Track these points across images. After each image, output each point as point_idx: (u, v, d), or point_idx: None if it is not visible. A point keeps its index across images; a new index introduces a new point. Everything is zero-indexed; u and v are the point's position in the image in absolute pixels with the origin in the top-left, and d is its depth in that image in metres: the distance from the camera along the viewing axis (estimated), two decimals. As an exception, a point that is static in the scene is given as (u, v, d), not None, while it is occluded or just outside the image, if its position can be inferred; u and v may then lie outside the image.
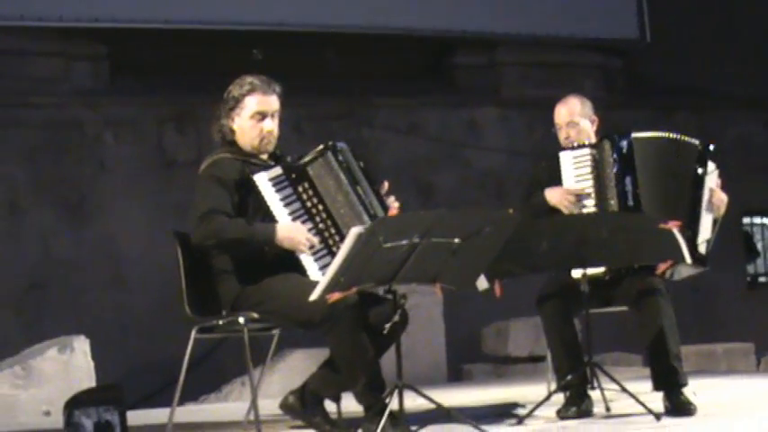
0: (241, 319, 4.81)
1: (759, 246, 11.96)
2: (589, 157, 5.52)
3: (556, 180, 5.52)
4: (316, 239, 4.80)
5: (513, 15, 10.39)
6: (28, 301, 8.86)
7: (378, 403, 4.69)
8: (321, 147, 4.97)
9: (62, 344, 7.01)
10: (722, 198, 5.55)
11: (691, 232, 5.39)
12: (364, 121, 9.87)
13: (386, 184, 5.03)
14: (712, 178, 5.54)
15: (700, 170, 5.51)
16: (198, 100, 9.24)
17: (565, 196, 5.49)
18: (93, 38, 9.38)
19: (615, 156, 5.49)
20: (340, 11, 9.78)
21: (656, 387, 5.28)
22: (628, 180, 5.47)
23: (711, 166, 5.55)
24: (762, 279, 12.05)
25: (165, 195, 9.06)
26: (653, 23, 10.88)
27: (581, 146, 5.56)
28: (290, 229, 4.78)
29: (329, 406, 4.98)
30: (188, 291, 5.01)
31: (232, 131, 5.02)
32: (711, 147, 5.57)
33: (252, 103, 4.99)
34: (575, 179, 5.52)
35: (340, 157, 4.97)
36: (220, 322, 4.91)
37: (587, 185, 5.51)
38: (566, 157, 5.55)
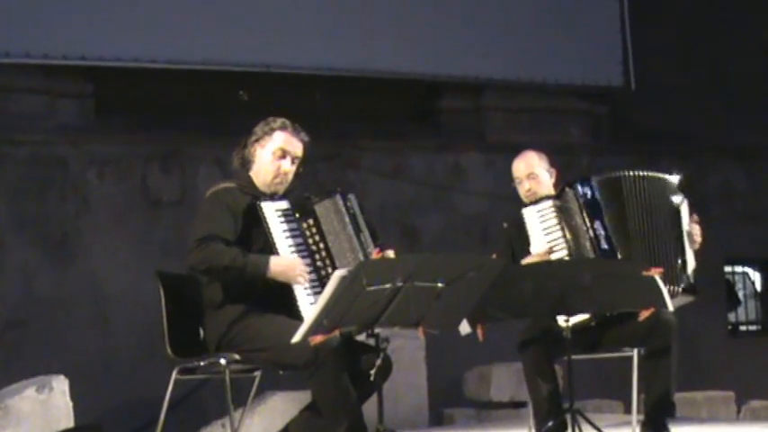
0: (222, 361, 4.82)
1: (741, 294, 11.98)
2: (553, 209, 5.57)
3: (525, 237, 5.56)
4: (310, 276, 4.81)
5: (500, 60, 10.42)
6: (7, 339, 8.82)
7: None
8: (331, 189, 5.02)
9: (41, 383, 6.96)
10: (697, 230, 5.61)
11: (681, 262, 5.44)
12: (350, 164, 9.88)
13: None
14: (684, 209, 5.60)
15: (675, 202, 5.56)
16: (183, 139, 9.27)
17: (542, 258, 5.51)
18: (78, 75, 9.38)
19: (580, 202, 5.53)
20: (327, 54, 9.79)
21: (649, 423, 5.35)
22: (597, 224, 5.51)
23: (681, 197, 5.61)
24: (743, 327, 12.05)
25: (149, 235, 9.05)
26: (638, 71, 10.94)
27: (542, 199, 5.60)
28: (285, 264, 4.79)
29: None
30: (170, 331, 5.01)
31: (251, 161, 5.06)
32: (677, 178, 5.64)
33: (279, 139, 5.07)
34: (543, 233, 5.55)
35: (348, 204, 5.00)
36: (202, 363, 4.91)
37: (557, 236, 5.54)
38: (530, 213, 5.60)
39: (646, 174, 5.62)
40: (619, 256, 5.41)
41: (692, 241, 5.57)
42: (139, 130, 9.40)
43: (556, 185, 5.70)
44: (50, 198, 9.14)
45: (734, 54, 11.55)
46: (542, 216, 5.57)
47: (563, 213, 5.53)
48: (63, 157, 9.24)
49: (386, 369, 4.81)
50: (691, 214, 5.61)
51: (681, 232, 5.54)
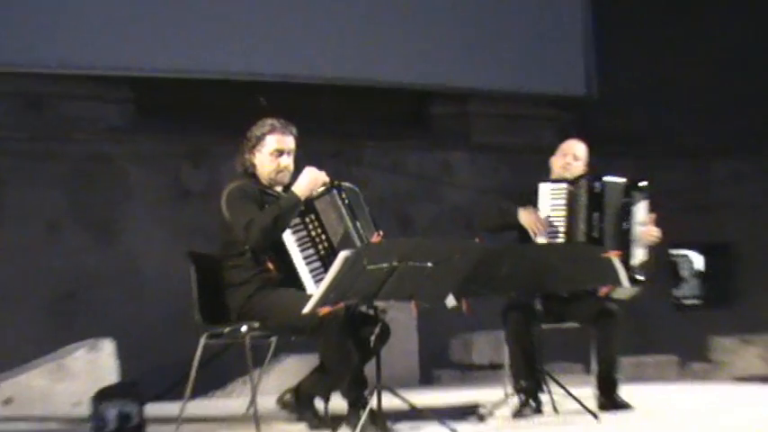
0: (243, 328, 4.83)
1: (684, 274, 12.04)
2: (566, 192, 5.55)
3: (535, 204, 5.54)
4: (315, 264, 4.81)
5: (483, 72, 10.43)
6: (62, 307, 8.83)
7: (360, 399, 4.71)
8: (328, 184, 4.98)
9: (90, 345, 7.00)
10: (653, 231, 5.59)
11: (626, 255, 5.44)
12: (353, 160, 9.88)
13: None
14: (641, 208, 5.59)
15: (627, 201, 5.57)
16: (211, 139, 9.27)
17: (537, 221, 5.49)
18: (122, 84, 9.38)
19: (590, 194, 5.52)
20: (335, 65, 9.81)
21: (600, 389, 5.35)
22: (595, 216, 5.51)
23: (639, 198, 5.60)
24: (686, 302, 12.11)
25: (181, 220, 9.06)
26: (600, 83, 10.95)
27: (560, 180, 5.59)
28: (306, 182, 4.81)
29: (319, 404, 5.00)
30: (199, 302, 5.03)
31: (253, 165, 5.05)
32: (641, 183, 5.63)
33: (272, 142, 5.03)
34: (550, 208, 5.54)
35: (344, 195, 4.98)
36: (226, 330, 4.92)
37: (560, 214, 5.53)
38: (544, 188, 5.60)
39: (621, 180, 5.63)
40: (604, 245, 5.41)
41: (646, 239, 5.56)
42: (173, 131, 9.41)
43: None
44: (98, 188, 9.15)
45: (683, 68, 11.55)
46: (554, 194, 5.56)
47: (572, 197, 5.52)
48: (109, 154, 9.26)
49: (384, 335, 4.84)
50: (649, 214, 5.61)
51: (630, 222, 5.55)
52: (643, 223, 5.56)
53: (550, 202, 5.55)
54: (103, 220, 9.17)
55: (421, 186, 10.30)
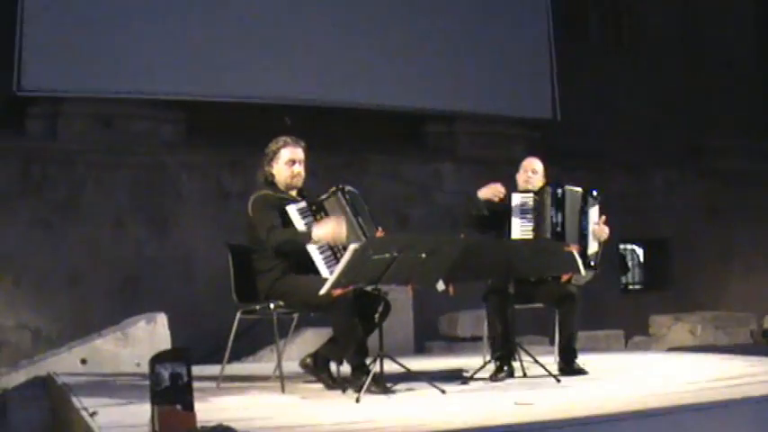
0: (272, 306, 4.80)
1: (629, 264, 12.05)
2: (533, 199, 5.55)
3: (507, 211, 5.52)
4: (326, 253, 4.77)
5: (467, 98, 10.40)
6: (126, 288, 8.82)
7: (362, 365, 4.68)
8: (334, 188, 4.97)
9: (149, 318, 6.98)
10: (604, 229, 5.58)
11: (583, 248, 5.44)
12: (361, 170, 9.85)
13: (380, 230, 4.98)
14: (594, 211, 5.59)
15: (584, 205, 5.56)
16: (245, 151, 9.10)
17: (494, 188, 5.49)
18: (175, 106, 9.37)
19: (552, 198, 5.53)
20: (346, 91, 9.78)
21: (561, 358, 5.33)
22: (559, 216, 5.51)
23: (593, 203, 5.59)
24: (630, 287, 12.10)
25: (222, 217, 9.02)
26: (562, 107, 10.92)
27: (527, 191, 5.60)
28: (325, 232, 4.70)
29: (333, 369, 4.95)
30: (235, 284, 5.00)
31: (272, 175, 5.02)
32: (595, 192, 5.63)
33: (286, 154, 5.00)
34: (520, 213, 5.54)
35: (347, 196, 4.97)
36: (257, 307, 4.89)
37: (530, 216, 5.54)
38: (516, 197, 5.59)
39: (579, 189, 5.60)
40: (566, 239, 5.40)
41: (594, 234, 5.55)
42: (216, 145, 9.39)
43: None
44: (155, 192, 9.14)
45: (628, 98, 11.56)
46: (524, 202, 5.55)
47: (538, 204, 5.52)
48: (164, 164, 9.23)
49: (386, 311, 4.80)
50: (600, 216, 5.59)
51: (587, 222, 5.53)
52: (596, 223, 5.56)
53: (520, 208, 5.55)
54: (160, 217, 9.15)
55: (416, 191, 10.26)
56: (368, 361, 4.70)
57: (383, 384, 4.61)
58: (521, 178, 5.69)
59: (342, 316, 4.65)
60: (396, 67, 10.06)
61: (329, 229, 4.68)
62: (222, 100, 9.38)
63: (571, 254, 5.11)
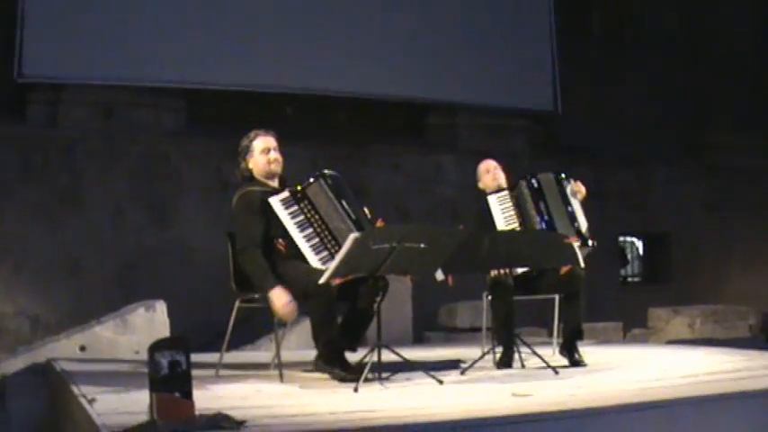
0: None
1: (628, 257, 12.05)
2: (509, 196, 5.55)
3: (491, 215, 5.54)
4: (314, 241, 4.73)
5: (468, 90, 10.38)
6: (126, 275, 8.82)
7: (330, 356, 4.65)
8: (316, 175, 4.92)
9: (147, 305, 6.97)
10: (581, 188, 5.58)
11: (578, 225, 5.44)
12: (362, 162, 9.84)
13: (366, 210, 4.94)
14: (569, 189, 5.58)
15: (562, 189, 5.56)
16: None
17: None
18: (176, 95, 9.36)
19: (530, 190, 5.52)
20: (347, 81, 9.76)
21: (564, 347, 5.36)
22: (542, 205, 5.50)
23: (566, 184, 5.57)
24: (630, 279, 12.10)
25: (221, 206, 8.98)
26: (563, 101, 10.91)
27: (502, 189, 5.60)
28: (279, 303, 4.62)
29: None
30: (234, 273, 4.98)
31: (249, 170, 5.00)
32: (563, 174, 5.62)
33: (259, 143, 4.99)
34: (502, 212, 5.54)
35: (329, 182, 4.93)
36: (256, 296, 4.88)
37: (511, 214, 5.52)
38: (492, 199, 5.58)
39: (548, 174, 5.60)
40: (556, 225, 5.41)
41: (577, 196, 5.56)
42: (216, 135, 9.37)
43: (508, 181, 5.67)
44: (155, 180, 9.13)
45: (630, 91, 11.54)
46: (502, 201, 5.54)
47: (517, 199, 5.51)
48: (164, 152, 9.23)
49: (383, 292, 4.73)
50: (575, 181, 5.60)
51: (570, 203, 5.53)
52: (573, 193, 5.57)
53: (501, 207, 5.54)
54: (160, 205, 9.14)
55: (417, 183, 10.25)
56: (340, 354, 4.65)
57: (354, 369, 4.54)
58: (487, 181, 5.68)
59: (320, 306, 4.59)
60: (398, 58, 10.04)
61: (281, 304, 4.59)
62: (223, 89, 9.37)
63: (571, 246, 5.11)
